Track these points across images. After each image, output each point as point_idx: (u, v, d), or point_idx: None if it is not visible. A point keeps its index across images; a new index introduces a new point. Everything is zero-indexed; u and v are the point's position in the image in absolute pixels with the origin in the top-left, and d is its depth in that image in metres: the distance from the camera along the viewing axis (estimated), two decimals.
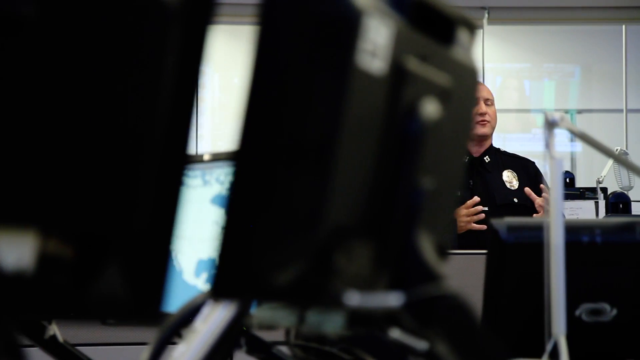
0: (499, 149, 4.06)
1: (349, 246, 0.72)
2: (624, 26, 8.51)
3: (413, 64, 0.76)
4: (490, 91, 4.05)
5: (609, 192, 5.93)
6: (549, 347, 1.57)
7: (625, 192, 6.07)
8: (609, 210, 4.01)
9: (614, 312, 1.71)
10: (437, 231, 0.80)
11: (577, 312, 1.71)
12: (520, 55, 9.01)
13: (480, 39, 8.49)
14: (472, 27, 0.87)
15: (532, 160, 4.11)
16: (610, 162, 5.85)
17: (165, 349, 1.32)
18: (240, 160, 0.68)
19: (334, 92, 0.68)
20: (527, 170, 4.02)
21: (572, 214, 5.36)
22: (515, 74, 9.17)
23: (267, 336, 1.51)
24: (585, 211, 5.38)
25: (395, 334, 0.81)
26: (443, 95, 0.79)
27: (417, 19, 0.77)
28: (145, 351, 1.31)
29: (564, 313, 1.57)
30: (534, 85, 9.21)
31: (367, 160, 0.73)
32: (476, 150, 3.97)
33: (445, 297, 0.73)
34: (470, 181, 3.91)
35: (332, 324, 0.90)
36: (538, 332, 1.70)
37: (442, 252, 0.81)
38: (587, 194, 5.76)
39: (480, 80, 4.18)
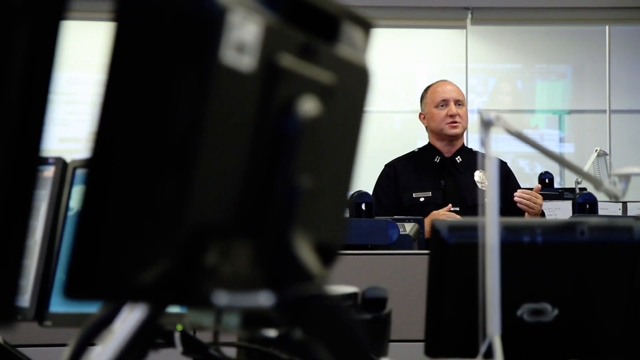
0: (471, 149, 4.05)
1: (221, 245, 0.71)
2: (607, 27, 8.52)
3: (288, 61, 0.75)
4: (461, 92, 4.04)
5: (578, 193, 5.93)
6: (483, 347, 1.57)
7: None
8: (576, 210, 4.01)
9: (555, 312, 1.71)
10: (321, 230, 0.79)
11: (519, 313, 1.71)
12: (512, 56, 9.01)
13: (464, 39, 8.50)
14: (366, 26, 0.86)
15: (504, 160, 4.11)
16: (590, 162, 5.86)
17: (85, 349, 1.31)
18: (96, 157, 0.68)
19: (196, 89, 0.68)
20: (499, 171, 4.01)
21: (551, 215, 5.36)
22: (508, 74, 9.18)
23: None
24: (563, 211, 5.38)
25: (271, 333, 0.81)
26: (325, 93, 0.78)
27: (292, 16, 0.77)
28: (65, 352, 1.30)
29: (498, 313, 1.56)
30: (526, 86, 9.22)
31: (238, 157, 0.72)
32: (448, 151, 3.97)
33: (317, 297, 0.72)
34: (442, 181, 3.91)
35: (228, 323, 0.89)
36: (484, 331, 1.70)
37: (330, 252, 0.80)
38: (565, 194, 5.76)
39: (449, 80, 4.17)
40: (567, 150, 9.12)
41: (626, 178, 1.75)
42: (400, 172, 3.95)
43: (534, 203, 3.64)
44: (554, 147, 9.25)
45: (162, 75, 0.68)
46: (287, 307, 0.72)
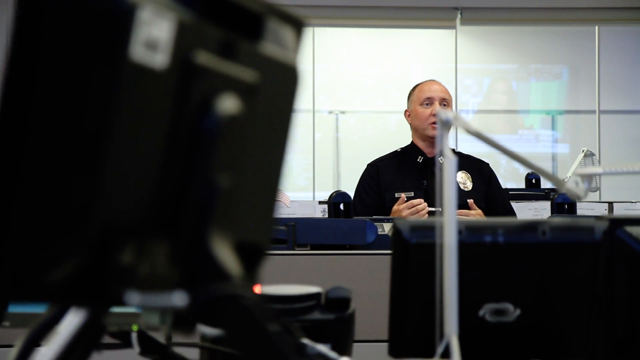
0: (453, 149, 4.05)
1: (136, 244, 0.71)
2: (597, 27, 8.52)
3: (204, 59, 0.74)
4: (448, 91, 4.03)
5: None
6: (440, 348, 1.56)
7: (592, 192, 6.07)
8: (554, 210, 4.00)
9: (517, 312, 1.70)
10: (244, 230, 0.78)
11: (481, 313, 1.70)
12: (503, 57, 9.01)
13: (453, 39, 8.50)
14: (297, 25, 0.85)
15: (487, 161, 4.11)
16: (577, 163, 5.85)
17: (32, 349, 1.30)
18: (1, 155, 0.67)
19: (105, 86, 0.67)
20: (481, 172, 4.01)
21: (537, 215, 5.36)
22: (501, 75, 9.18)
23: None
24: (549, 212, 5.38)
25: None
26: (247, 92, 0.77)
27: (210, 13, 0.76)
28: (12, 352, 1.29)
29: (456, 313, 1.56)
30: (521, 86, 9.22)
31: (153, 156, 0.71)
32: (430, 151, 3.97)
33: (234, 297, 0.71)
34: (424, 182, 3.90)
35: (152, 322, 0.89)
36: (441, 331, 1.69)
37: (255, 252, 0.79)
38: (552, 194, 5.76)
39: (439, 79, 4.16)
40: (562, 151, 9.13)
41: (588, 178, 1.75)
42: (383, 172, 3.95)
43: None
44: (547, 147, 9.27)
45: (69, 71, 0.67)
46: (203, 307, 0.71)
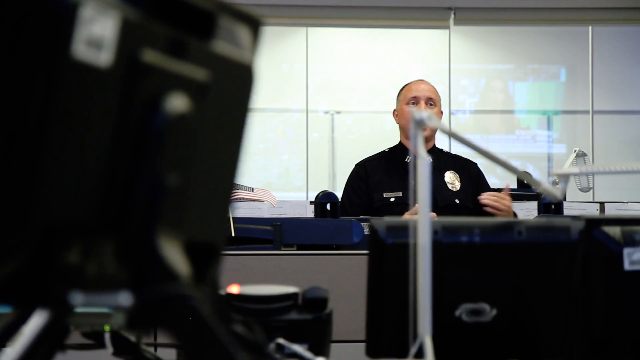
0: (441, 149, 4.04)
1: (82, 244, 0.70)
2: (590, 27, 8.52)
3: (151, 57, 0.74)
4: (436, 91, 4.01)
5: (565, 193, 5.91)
6: (413, 349, 1.55)
7: (584, 192, 6.07)
8: (541, 211, 3.99)
9: (494, 312, 1.70)
10: (195, 229, 0.78)
11: (457, 313, 1.70)
12: (504, 56, 9.01)
13: (447, 39, 8.50)
14: (254, 24, 0.85)
15: (475, 161, 4.10)
16: (569, 163, 5.85)
17: None
18: None
19: (44, 84, 0.66)
20: (470, 172, 4.00)
21: (528, 215, 5.36)
22: (499, 74, 9.18)
23: None
24: None
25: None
26: (197, 90, 0.77)
27: (158, 11, 0.75)
28: None
29: (429, 313, 1.55)
30: (518, 86, 9.22)
31: (97, 155, 0.71)
32: None
33: (181, 297, 0.71)
34: (412, 182, 3.89)
35: (115, 322, 0.88)
36: (416, 331, 1.69)
37: (209, 251, 0.79)
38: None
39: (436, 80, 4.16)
40: (559, 151, 9.12)
41: (565, 178, 1.74)
42: (371, 172, 3.94)
43: (502, 205, 3.62)
44: (543, 148, 9.27)
45: (7, 69, 0.66)
46: (150, 307, 0.71)
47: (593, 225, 1.77)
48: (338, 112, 9.10)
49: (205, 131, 0.79)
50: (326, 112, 9.15)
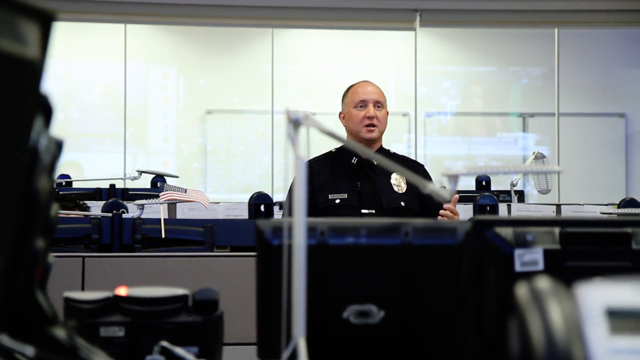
0: (388, 150, 4.03)
1: None
2: (556, 30, 8.54)
3: None
4: (382, 92, 3.99)
5: (525, 195, 5.93)
6: (286, 353, 1.54)
7: (544, 194, 6.08)
8: (477, 212, 4.00)
9: (382, 314, 1.69)
10: None
11: (345, 315, 1.69)
12: (485, 59, 9.03)
13: (413, 41, 8.50)
14: (43, 18, 0.83)
15: (421, 163, 4.09)
16: (526, 165, 5.85)
17: None
18: None
19: None
20: (416, 173, 3.99)
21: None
22: (480, 77, 9.19)
23: None
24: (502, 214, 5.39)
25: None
26: None
27: None
28: None
29: (304, 315, 1.54)
30: (500, 89, 9.23)
31: None
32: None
33: None
34: (358, 183, 3.88)
35: None
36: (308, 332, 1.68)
37: None
38: (501, 196, 5.76)
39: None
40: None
41: (455, 179, 1.74)
42: (317, 173, 3.92)
43: (453, 214, 3.62)
44: (520, 150, 9.29)
45: None
46: None
47: (485, 226, 1.77)
48: (314, 114, 9.11)
49: None
50: (312, 114, 9.15)
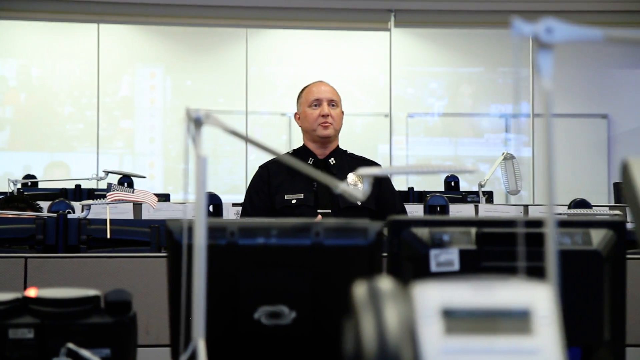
0: (345, 150, 4.01)
1: None
2: None
3: None
4: (336, 92, 3.98)
5: (493, 195, 5.92)
6: (185, 355, 1.52)
7: (513, 195, 6.06)
8: (426, 212, 3.98)
9: (293, 314, 1.67)
10: None
11: (256, 315, 1.67)
12: (473, 60, 9.02)
13: (388, 40, 8.49)
14: None
15: (379, 163, 4.07)
16: (496, 165, 5.84)
17: None
18: None
19: None
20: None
21: None
22: (468, 78, 9.19)
23: None
24: (466, 215, 5.38)
25: None
26: None
27: None
28: None
29: (203, 316, 1.52)
30: (486, 90, 9.23)
31: None
32: (321, 152, 3.93)
33: None
34: (315, 184, 3.86)
35: None
36: (218, 332, 1.66)
37: None
38: (469, 197, 5.75)
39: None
40: (526, 155, 9.13)
41: (369, 178, 1.72)
42: (274, 174, 3.90)
43: None
44: (499, 150, 9.28)
45: None
46: None
47: (401, 226, 1.75)
48: (283, 114, 9.10)
49: None
50: (282, 115, 9.14)
